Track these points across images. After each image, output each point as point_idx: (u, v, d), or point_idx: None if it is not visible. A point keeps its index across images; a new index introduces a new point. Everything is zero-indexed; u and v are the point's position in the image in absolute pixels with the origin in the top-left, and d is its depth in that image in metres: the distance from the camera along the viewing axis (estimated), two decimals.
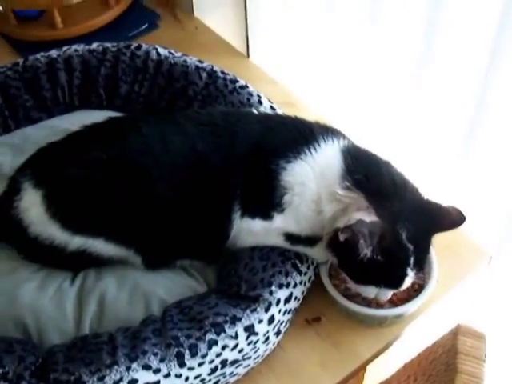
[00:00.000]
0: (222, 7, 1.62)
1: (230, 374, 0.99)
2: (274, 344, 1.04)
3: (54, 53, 1.34)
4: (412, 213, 0.97)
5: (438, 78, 1.22)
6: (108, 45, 1.35)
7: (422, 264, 1.00)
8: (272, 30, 1.52)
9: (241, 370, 1.01)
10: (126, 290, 1.07)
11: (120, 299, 1.06)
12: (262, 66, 1.53)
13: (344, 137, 1.08)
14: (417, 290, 1.09)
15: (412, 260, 0.97)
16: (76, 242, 1.05)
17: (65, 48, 1.35)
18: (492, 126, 1.19)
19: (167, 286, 1.08)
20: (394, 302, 1.08)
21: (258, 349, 1.00)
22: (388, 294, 1.03)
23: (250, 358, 1.00)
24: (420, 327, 1.11)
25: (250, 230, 1.05)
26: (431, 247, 1.05)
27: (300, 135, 1.05)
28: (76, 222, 1.04)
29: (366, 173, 1.00)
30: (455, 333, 1.02)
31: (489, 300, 1.29)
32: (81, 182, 1.03)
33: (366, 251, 0.93)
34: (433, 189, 1.10)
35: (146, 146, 1.05)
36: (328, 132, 1.06)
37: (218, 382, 0.98)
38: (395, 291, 1.02)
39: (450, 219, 1.01)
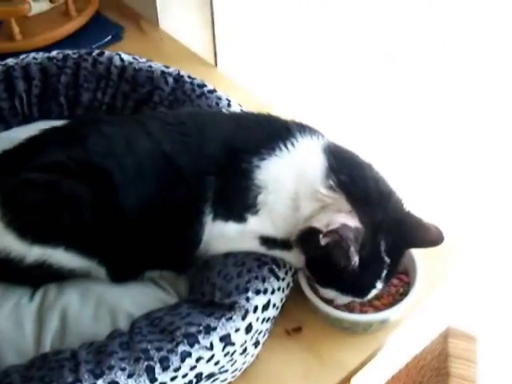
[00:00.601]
0: (188, 18, 1.57)
1: None
2: (252, 356, 0.97)
3: (10, 61, 1.27)
4: (393, 225, 0.93)
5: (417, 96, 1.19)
6: (69, 52, 1.29)
7: (390, 278, 0.96)
8: (240, 38, 1.49)
9: None
10: (90, 305, 1.00)
11: (84, 315, 0.98)
12: (230, 74, 1.48)
13: (322, 135, 1.02)
14: (402, 293, 1.03)
15: (384, 274, 0.93)
16: (34, 253, 0.97)
17: (22, 56, 1.28)
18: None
19: (135, 299, 1.01)
20: (378, 307, 1.02)
21: (236, 361, 0.92)
22: (347, 300, 0.98)
23: (227, 371, 0.92)
24: (407, 333, 1.05)
25: (222, 235, 0.98)
26: (416, 253, 1.01)
27: (275, 132, 0.99)
28: (34, 230, 0.96)
29: (350, 174, 0.95)
30: (445, 336, 0.97)
31: (478, 301, 1.23)
32: (38, 187, 0.95)
33: (355, 259, 0.88)
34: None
35: (107, 148, 0.98)
36: (305, 129, 1.01)
37: None
38: (357, 300, 0.98)
39: (429, 237, 0.96)
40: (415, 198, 0.99)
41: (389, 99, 1.24)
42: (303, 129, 1.00)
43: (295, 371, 1.00)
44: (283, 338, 1.03)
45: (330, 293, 0.97)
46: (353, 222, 0.90)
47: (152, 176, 0.98)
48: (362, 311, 1.01)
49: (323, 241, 0.88)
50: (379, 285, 0.94)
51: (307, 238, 0.93)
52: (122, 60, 1.27)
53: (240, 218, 0.97)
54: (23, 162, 0.99)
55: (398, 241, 0.94)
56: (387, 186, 0.97)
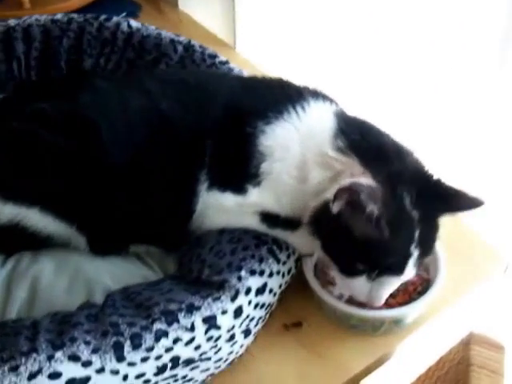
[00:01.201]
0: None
1: (184, 378, 0.79)
2: (241, 347, 0.84)
3: (12, 22, 1.19)
4: (415, 176, 0.80)
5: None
6: (74, 15, 1.20)
7: (427, 248, 0.81)
8: (259, 19, 1.40)
9: (198, 375, 0.80)
10: (65, 276, 0.89)
11: (57, 286, 0.88)
12: (249, 56, 1.39)
13: (337, 103, 0.91)
14: (420, 292, 0.90)
15: (417, 234, 0.78)
16: (7, 211, 0.87)
17: (25, 17, 1.20)
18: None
19: (116, 275, 0.89)
20: (393, 306, 0.89)
21: (220, 348, 0.80)
22: (383, 292, 0.83)
23: (209, 359, 0.79)
24: (423, 338, 0.91)
25: (218, 206, 0.87)
26: (439, 249, 0.88)
27: (285, 95, 0.88)
28: (6, 185, 0.86)
29: (361, 134, 0.83)
30: (467, 342, 0.83)
31: (507, 304, 1.09)
32: (13, 136, 0.85)
33: (373, 208, 0.74)
34: None
35: (99, 102, 0.89)
36: (319, 95, 0.90)
37: None
38: (395, 283, 0.82)
39: (462, 200, 0.82)
40: None
41: (410, 83, 1.13)
42: (316, 95, 0.90)
43: (290, 371, 0.87)
44: (280, 333, 0.90)
45: (360, 286, 0.82)
46: (366, 180, 0.77)
47: (144, 135, 0.88)
48: (374, 309, 0.88)
49: (335, 207, 0.76)
50: (415, 251, 0.78)
51: (323, 215, 0.80)
52: (129, 26, 1.18)
53: (239, 188, 0.86)
54: (4, 109, 0.89)
55: (425, 197, 0.79)
56: (402, 146, 0.84)
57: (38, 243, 0.90)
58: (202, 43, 1.19)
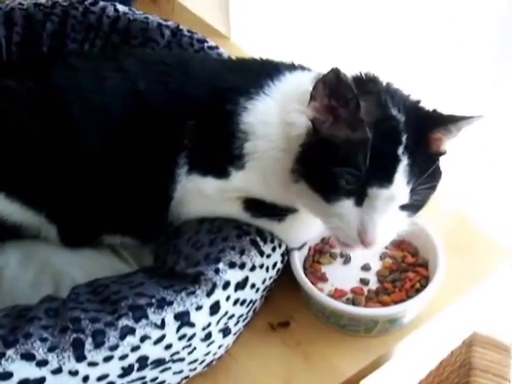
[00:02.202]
0: None
1: (154, 380, 0.72)
2: (220, 347, 0.76)
3: None
4: (406, 100, 0.74)
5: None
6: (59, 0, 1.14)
7: (421, 166, 0.70)
8: (254, 9, 1.34)
9: (170, 378, 0.73)
10: (31, 269, 0.83)
11: (22, 279, 0.81)
12: (244, 46, 1.32)
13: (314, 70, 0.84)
14: (418, 290, 0.83)
15: (404, 138, 0.69)
16: None
17: (8, 1, 1.14)
18: None
19: (86, 268, 0.83)
20: (388, 304, 0.81)
21: (195, 348, 0.72)
22: (375, 216, 0.70)
23: (182, 360, 0.72)
24: (424, 341, 0.83)
25: (198, 192, 0.80)
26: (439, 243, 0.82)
27: (264, 70, 0.82)
28: None
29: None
30: (469, 344, 0.75)
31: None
32: None
33: (352, 95, 0.67)
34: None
35: (71, 81, 0.83)
36: (296, 67, 0.84)
37: None
38: (386, 203, 0.70)
39: (457, 117, 0.72)
40: None
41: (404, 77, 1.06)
42: (294, 67, 0.84)
43: (275, 373, 0.80)
44: (266, 333, 0.84)
45: (347, 212, 0.71)
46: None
47: (120, 116, 0.82)
48: (366, 307, 0.81)
49: (309, 111, 0.71)
50: (404, 158, 0.69)
51: (304, 147, 0.74)
52: (116, 10, 1.12)
53: (221, 172, 0.79)
54: None
55: (412, 108, 0.74)
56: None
57: (3, 232, 0.84)
58: (195, 31, 1.13)
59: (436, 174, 0.73)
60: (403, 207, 0.72)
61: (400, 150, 0.69)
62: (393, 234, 0.74)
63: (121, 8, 1.13)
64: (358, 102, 0.68)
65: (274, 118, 0.77)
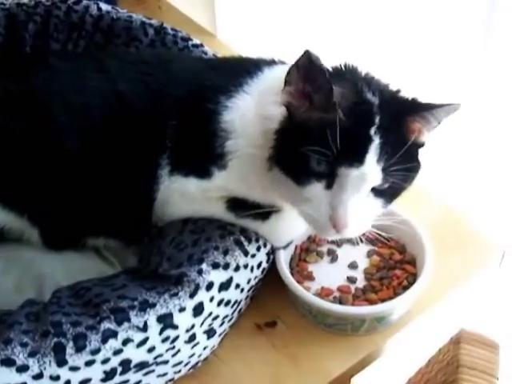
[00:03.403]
0: None
1: (137, 383, 0.70)
2: (205, 349, 0.76)
3: None
4: (377, 84, 0.74)
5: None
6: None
7: (392, 146, 0.69)
8: (240, 6, 1.33)
9: (154, 380, 0.72)
10: (14, 273, 0.82)
11: (4, 283, 0.81)
12: (231, 44, 1.31)
13: None
14: (406, 287, 0.82)
15: (377, 120, 0.69)
16: None
17: None
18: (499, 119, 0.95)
19: (70, 271, 0.82)
20: (375, 302, 0.80)
21: (179, 350, 0.72)
22: (345, 197, 0.69)
23: (166, 362, 0.71)
24: (413, 339, 0.82)
25: (180, 193, 0.79)
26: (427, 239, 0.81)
27: (244, 68, 0.81)
28: None
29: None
30: (457, 341, 0.74)
31: (501, 303, 1.00)
32: None
33: (325, 78, 0.67)
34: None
35: (52, 83, 0.82)
36: (276, 62, 0.83)
37: None
38: (356, 183, 0.69)
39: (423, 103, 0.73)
40: None
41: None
42: (273, 62, 0.83)
43: (262, 374, 0.79)
44: (252, 334, 0.83)
45: (317, 195, 0.70)
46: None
47: (101, 117, 0.81)
48: (354, 306, 0.80)
49: (283, 98, 0.71)
50: (376, 138, 0.68)
51: (279, 133, 0.73)
52: (99, 9, 1.11)
53: (203, 172, 0.78)
54: None
55: (387, 95, 0.73)
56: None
57: None
58: (182, 30, 1.12)
59: (412, 161, 0.72)
60: (376, 193, 0.71)
61: (372, 131, 0.68)
62: (367, 221, 0.73)
63: (104, 7, 1.12)
64: (330, 85, 0.67)
65: (251, 114, 0.76)
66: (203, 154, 0.78)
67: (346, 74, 0.74)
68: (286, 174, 0.72)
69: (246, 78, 0.79)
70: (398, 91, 0.75)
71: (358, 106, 0.69)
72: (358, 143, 0.68)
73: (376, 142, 0.68)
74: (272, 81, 0.77)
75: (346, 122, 0.67)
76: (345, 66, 0.75)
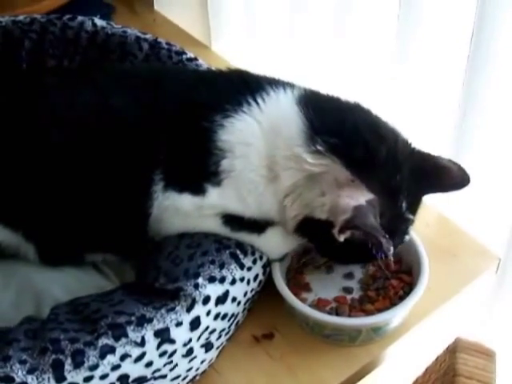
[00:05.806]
0: None
1: None
2: (202, 362, 0.76)
3: None
4: (409, 176, 0.75)
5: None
6: (37, 16, 1.14)
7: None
8: (235, 18, 1.34)
9: None
10: (12, 289, 0.83)
11: (2, 300, 0.81)
12: (225, 56, 1.33)
13: (297, 87, 0.83)
14: (402, 297, 0.82)
15: (410, 228, 0.80)
16: None
17: None
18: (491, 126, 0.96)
19: (68, 286, 0.83)
20: (371, 313, 0.81)
21: (177, 365, 0.72)
22: None
23: (164, 377, 0.72)
24: (410, 349, 0.83)
25: (176, 209, 0.80)
26: (422, 249, 0.84)
27: (243, 85, 0.81)
28: None
29: (334, 121, 0.76)
30: (453, 350, 0.74)
31: (498, 311, 1.00)
32: None
33: (374, 222, 0.72)
34: None
35: (44, 98, 0.82)
36: (278, 82, 0.83)
37: None
38: None
39: (449, 178, 0.79)
40: None
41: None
42: (276, 82, 0.82)
43: None
44: (250, 346, 0.83)
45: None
46: (362, 195, 0.72)
47: (93, 133, 0.81)
48: (350, 316, 0.81)
49: (341, 237, 0.73)
50: (407, 237, 0.81)
51: (310, 227, 0.77)
52: (94, 25, 1.12)
53: (197, 189, 0.78)
54: None
55: (418, 190, 0.78)
56: (386, 128, 0.78)
57: None
58: (177, 43, 1.12)
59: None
60: None
61: (406, 237, 0.80)
62: None
63: (99, 22, 1.13)
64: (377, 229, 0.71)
65: (257, 141, 0.76)
66: (197, 170, 0.78)
67: (363, 153, 0.74)
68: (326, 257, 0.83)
69: (246, 97, 0.78)
70: (424, 163, 0.79)
71: (396, 225, 0.76)
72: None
73: (407, 238, 0.81)
74: (281, 115, 0.78)
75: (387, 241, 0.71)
76: (356, 138, 0.75)
